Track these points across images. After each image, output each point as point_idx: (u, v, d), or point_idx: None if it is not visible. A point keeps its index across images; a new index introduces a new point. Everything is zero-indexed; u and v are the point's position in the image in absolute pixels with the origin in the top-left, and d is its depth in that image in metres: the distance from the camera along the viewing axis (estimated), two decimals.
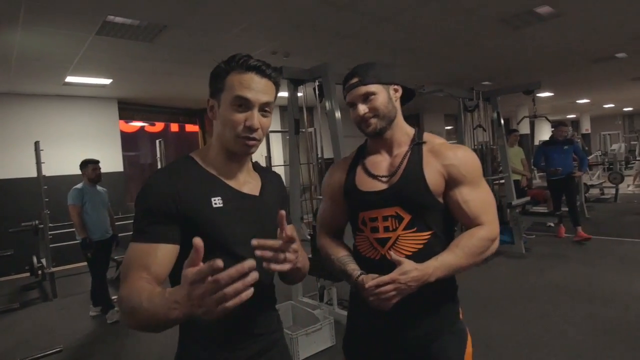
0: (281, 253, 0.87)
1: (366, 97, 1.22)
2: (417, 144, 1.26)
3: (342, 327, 3.25)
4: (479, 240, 1.16)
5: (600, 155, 13.15)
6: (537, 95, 5.48)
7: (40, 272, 5.24)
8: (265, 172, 1.16)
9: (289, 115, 3.65)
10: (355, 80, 1.23)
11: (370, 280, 1.10)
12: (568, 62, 7.01)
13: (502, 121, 5.50)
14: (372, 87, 1.21)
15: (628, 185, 10.28)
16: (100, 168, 4.07)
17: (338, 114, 3.31)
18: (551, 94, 10.94)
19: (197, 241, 0.68)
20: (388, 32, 4.74)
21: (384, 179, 1.23)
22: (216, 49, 4.74)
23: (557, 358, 2.65)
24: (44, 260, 5.15)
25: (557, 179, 5.53)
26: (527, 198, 5.66)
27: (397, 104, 1.27)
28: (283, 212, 0.89)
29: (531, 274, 4.40)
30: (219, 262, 0.65)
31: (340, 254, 1.28)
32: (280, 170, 8.68)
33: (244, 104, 0.95)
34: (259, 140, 1.00)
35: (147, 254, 0.88)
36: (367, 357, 1.28)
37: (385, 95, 1.23)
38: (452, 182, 1.20)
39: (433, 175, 1.19)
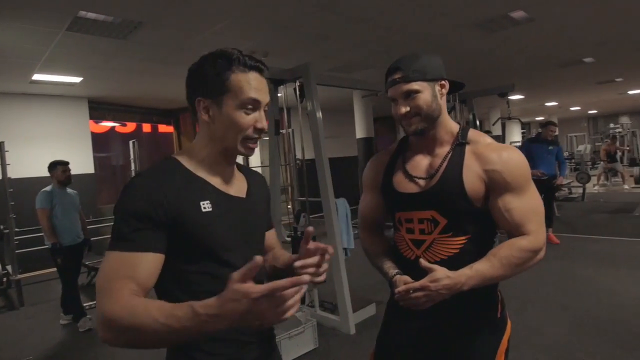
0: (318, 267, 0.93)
1: (408, 95, 1.14)
2: (459, 144, 1.18)
3: (324, 329, 3.25)
4: (519, 251, 1.09)
5: (567, 157, 13.66)
6: (509, 97, 5.59)
7: (5, 279, 4.99)
8: (249, 173, 1.13)
9: (270, 115, 3.60)
10: (398, 75, 1.14)
11: (402, 284, 1.09)
12: (539, 65, 7.24)
13: (478, 122, 5.61)
14: (416, 85, 1.13)
15: (594, 185, 10.71)
16: (70, 170, 3.91)
17: (319, 114, 3.30)
18: (522, 97, 11.28)
19: (259, 259, 0.68)
20: (366, 33, 4.76)
21: (422, 181, 1.19)
22: (193, 47, 4.64)
23: (534, 352, 2.71)
24: (9, 267, 4.91)
25: (540, 179, 5.33)
26: None
27: (443, 100, 1.20)
28: (310, 229, 0.90)
29: None
30: (285, 282, 0.67)
31: (379, 250, 1.28)
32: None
33: (253, 106, 0.94)
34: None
35: (134, 265, 0.82)
36: (401, 356, 1.26)
37: (429, 93, 1.15)
38: (494, 187, 1.13)
39: (472, 180, 1.13)
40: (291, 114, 8.21)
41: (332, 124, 9.92)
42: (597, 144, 15.88)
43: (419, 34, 4.94)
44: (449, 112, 5.33)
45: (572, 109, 16.15)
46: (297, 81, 3.37)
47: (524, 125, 18.52)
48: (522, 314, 3.34)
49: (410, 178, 1.21)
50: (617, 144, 11.63)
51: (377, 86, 4.46)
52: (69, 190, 3.96)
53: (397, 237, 1.27)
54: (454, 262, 1.10)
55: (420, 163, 1.22)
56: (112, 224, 0.88)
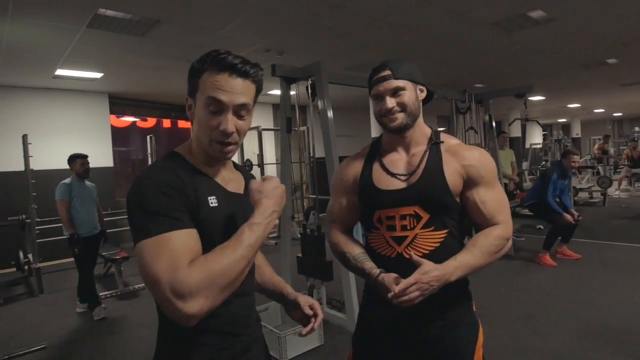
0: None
1: (395, 92, 1.21)
2: (435, 144, 1.26)
3: (331, 327, 3.27)
4: (495, 239, 1.18)
5: (589, 159, 13.30)
6: (529, 98, 5.47)
7: (26, 267, 5.17)
8: (243, 170, 1.15)
9: (281, 113, 3.63)
10: (386, 72, 1.22)
11: (391, 280, 1.13)
12: (560, 66, 7.08)
13: (494, 124, 5.53)
14: (402, 83, 1.21)
15: (616, 190, 10.40)
16: (88, 163, 4.02)
17: (330, 113, 3.31)
18: (542, 98, 11.04)
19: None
20: (382, 33, 4.74)
21: (403, 178, 1.24)
22: (210, 45, 4.70)
23: (540, 359, 2.68)
24: (30, 256, 5.09)
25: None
26: (517, 201, 5.71)
27: (421, 105, 1.29)
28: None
29: (518, 275, 4.44)
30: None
31: (356, 252, 1.29)
32: (272, 169, 8.66)
33: (217, 107, 0.91)
34: (236, 144, 0.96)
35: (189, 240, 0.84)
36: (378, 351, 1.28)
37: (413, 93, 1.24)
38: (470, 182, 1.22)
39: (452, 175, 1.21)
40: (306, 112, 8.24)
41: (348, 122, 9.92)
42: (621, 147, 15.43)
43: (436, 34, 4.89)
44: (465, 113, 5.30)
45: (596, 111, 15.73)
46: (309, 79, 3.39)
47: (545, 127, 18.12)
48: (531, 319, 3.29)
49: (392, 175, 1.25)
50: None
51: None
52: (87, 182, 4.07)
53: (372, 237, 1.28)
54: (435, 256, 1.15)
55: (398, 162, 1.27)
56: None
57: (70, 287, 4.59)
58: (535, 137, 14.73)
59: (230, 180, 1.04)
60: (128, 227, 0.92)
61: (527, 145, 13.54)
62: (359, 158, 1.36)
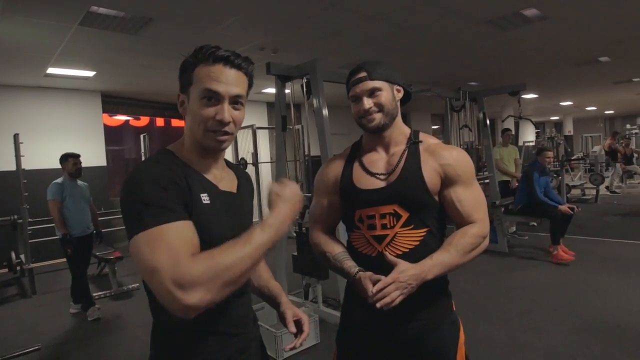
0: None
1: (372, 92, 1.24)
2: (413, 143, 1.29)
3: (327, 325, 3.27)
4: (471, 237, 1.20)
5: (581, 158, 13.39)
6: (522, 96, 5.49)
7: (18, 268, 5.12)
8: (237, 169, 1.15)
9: (276, 111, 3.62)
10: (362, 74, 1.25)
11: (368, 279, 1.13)
12: (553, 64, 7.13)
13: (488, 121, 5.55)
14: (379, 83, 1.24)
15: (607, 187, 10.49)
16: (81, 162, 3.98)
17: (325, 112, 3.30)
18: (536, 96, 11.11)
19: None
20: (377, 31, 4.74)
21: (382, 177, 1.26)
22: (203, 43, 4.62)
23: (536, 355, 2.69)
24: (22, 256, 5.04)
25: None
26: (511, 198, 5.72)
27: (398, 105, 1.31)
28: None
29: (513, 272, 4.47)
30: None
31: (336, 251, 1.29)
32: (266, 167, 8.63)
33: (213, 97, 0.91)
34: (232, 135, 0.96)
35: (186, 232, 0.83)
36: (362, 350, 1.29)
37: (390, 93, 1.26)
38: (447, 181, 1.24)
39: (430, 174, 1.23)
40: (301, 110, 8.22)
41: (343, 120, 9.85)
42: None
43: (430, 32, 4.90)
44: (459, 111, 5.31)
45: (588, 108, 15.86)
46: (304, 78, 3.37)
47: (538, 125, 18.21)
48: (527, 315, 3.32)
49: (371, 175, 1.27)
50: (633, 145, 11.40)
51: None
52: (79, 182, 4.03)
53: (354, 237, 1.30)
54: (415, 254, 1.18)
55: (378, 161, 1.30)
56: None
57: (64, 287, 4.55)
58: (529, 135, 14.81)
59: (222, 178, 1.03)
60: (122, 227, 0.92)
61: (520, 143, 13.59)
62: (340, 159, 1.38)
